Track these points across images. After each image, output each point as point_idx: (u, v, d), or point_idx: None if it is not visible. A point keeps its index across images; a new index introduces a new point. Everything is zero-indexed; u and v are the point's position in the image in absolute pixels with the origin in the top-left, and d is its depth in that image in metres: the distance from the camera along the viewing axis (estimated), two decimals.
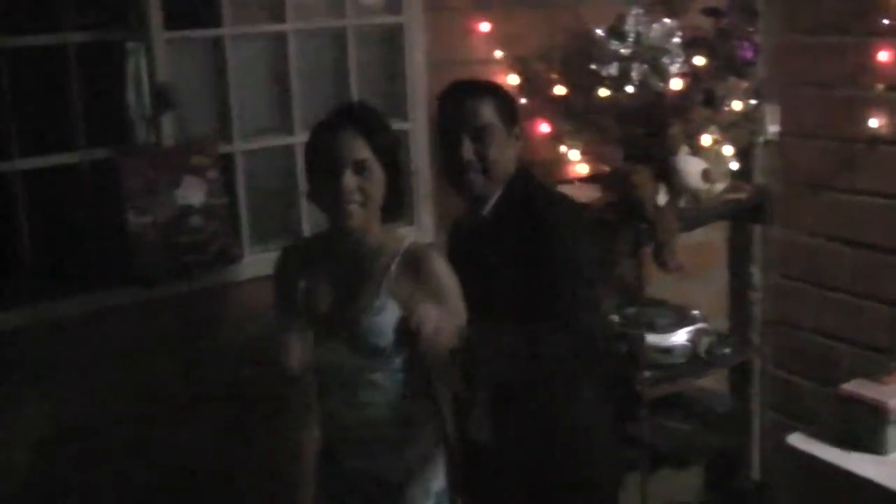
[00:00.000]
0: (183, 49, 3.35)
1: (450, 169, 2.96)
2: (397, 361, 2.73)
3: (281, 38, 3.51)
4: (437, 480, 2.84)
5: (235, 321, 3.42)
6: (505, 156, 2.91)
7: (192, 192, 3.28)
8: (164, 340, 3.35)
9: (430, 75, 3.72)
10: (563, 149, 3.89)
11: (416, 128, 3.73)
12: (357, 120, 2.71)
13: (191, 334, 3.39)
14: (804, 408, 4.51)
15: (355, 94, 3.64)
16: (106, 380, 3.27)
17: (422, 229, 3.73)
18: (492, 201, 2.94)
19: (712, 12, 3.93)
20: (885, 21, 3.92)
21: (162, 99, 3.26)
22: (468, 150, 2.87)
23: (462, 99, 2.93)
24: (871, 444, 3.19)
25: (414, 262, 2.73)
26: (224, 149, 3.42)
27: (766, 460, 4.46)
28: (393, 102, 3.73)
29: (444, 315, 2.59)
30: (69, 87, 3.22)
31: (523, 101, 3.78)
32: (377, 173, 2.68)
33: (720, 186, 3.85)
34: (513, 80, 3.82)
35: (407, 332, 2.58)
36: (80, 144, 3.23)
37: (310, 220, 3.57)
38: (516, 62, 3.83)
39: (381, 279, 2.72)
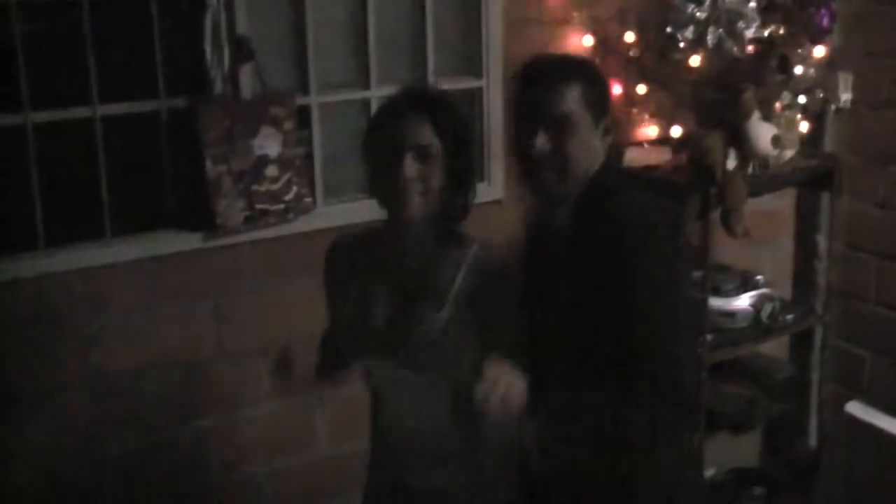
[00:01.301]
0: (262, 1, 3.39)
1: (522, 162, 2.48)
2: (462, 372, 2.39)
3: None
4: (500, 493, 2.56)
5: (307, 271, 3.46)
6: (588, 152, 2.42)
7: (269, 143, 3.34)
8: (236, 288, 3.43)
9: (506, 33, 3.74)
10: (635, 110, 3.89)
11: (492, 85, 3.75)
12: (422, 102, 2.41)
13: (263, 282, 3.47)
14: (863, 378, 4.51)
15: (431, 50, 3.67)
16: (176, 322, 3.37)
17: (492, 186, 3.76)
18: (567, 206, 2.46)
19: None
20: None
21: (241, 50, 3.30)
22: (543, 141, 2.38)
23: (542, 80, 2.44)
24: None
25: (483, 273, 2.41)
26: (301, 101, 3.46)
27: (823, 428, 4.46)
28: (469, 60, 3.76)
29: (515, 376, 2.22)
30: (150, 37, 3.25)
31: (598, 61, 3.79)
32: (440, 162, 2.36)
33: (790, 153, 3.84)
34: (588, 40, 3.82)
35: (470, 400, 2.18)
36: (160, 93, 3.28)
37: None
38: (592, 22, 3.83)
39: (448, 288, 2.41)
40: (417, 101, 2.41)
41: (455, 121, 2.43)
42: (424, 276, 2.43)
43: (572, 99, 2.39)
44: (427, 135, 2.34)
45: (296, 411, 3.59)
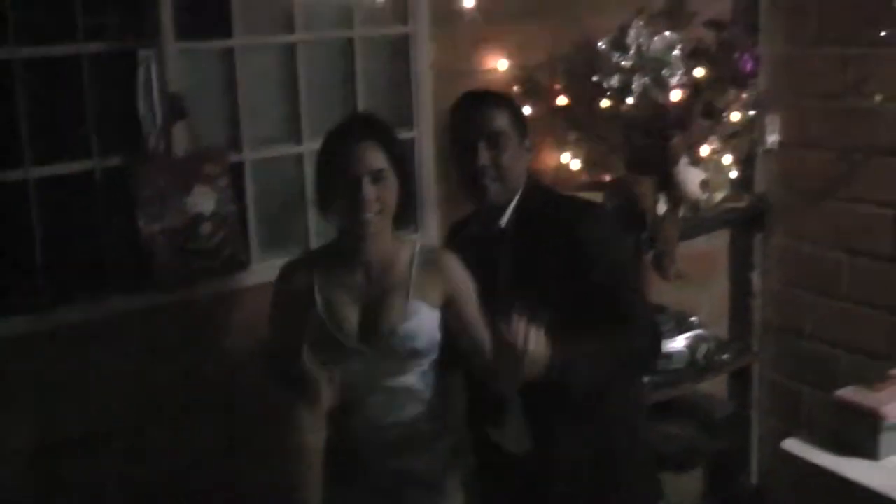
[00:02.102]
0: (194, 59, 3.39)
1: (464, 176, 2.96)
2: (426, 362, 2.80)
3: (290, 49, 3.56)
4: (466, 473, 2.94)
5: (243, 327, 3.48)
6: (518, 164, 2.94)
7: (203, 200, 3.34)
8: (173, 346, 3.40)
9: (436, 85, 3.78)
10: (564, 157, 3.94)
11: (423, 136, 3.79)
12: (372, 130, 2.74)
13: (199, 340, 3.44)
14: (802, 413, 4.57)
15: (362, 102, 3.69)
16: (115, 385, 3.31)
17: (427, 236, 3.78)
18: (509, 210, 2.95)
19: (714, 25, 3.99)
20: (884, 33, 3.97)
21: (173, 108, 3.31)
22: (484, 155, 2.88)
23: (477, 107, 2.95)
24: (864, 449, 3.22)
25: (430, 259, 2.81)
26: (234, 157, 3.47)
27: (764, 464, 4.51)
28: (399, 111, 3.78)
29: (540, 331, 2.56)
30: (83, 96, 3.25)
31: (527, 109, 3.84)
32: (392, 182, 2.71)
33: (720, 196, 3.91)
34: (517, 90, 3.87)
35: (503, 347, 2.54)
36: (93, 152, 3.26)
37: (316, 228, 3.62)
38: (520, 72, 3.88)
39: (408, 282, 2.76)
40: (367, 127, 2.76)
41: (399, 143, 2.82)
42: (384, 278, 2.78)
43: (503, 120, 2.92)
44: (380, 159, 2.68)
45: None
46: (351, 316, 2.76)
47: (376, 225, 2.70)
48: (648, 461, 3.26)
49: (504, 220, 2.95)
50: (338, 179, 2.69)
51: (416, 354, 2.76)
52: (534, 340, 2.50)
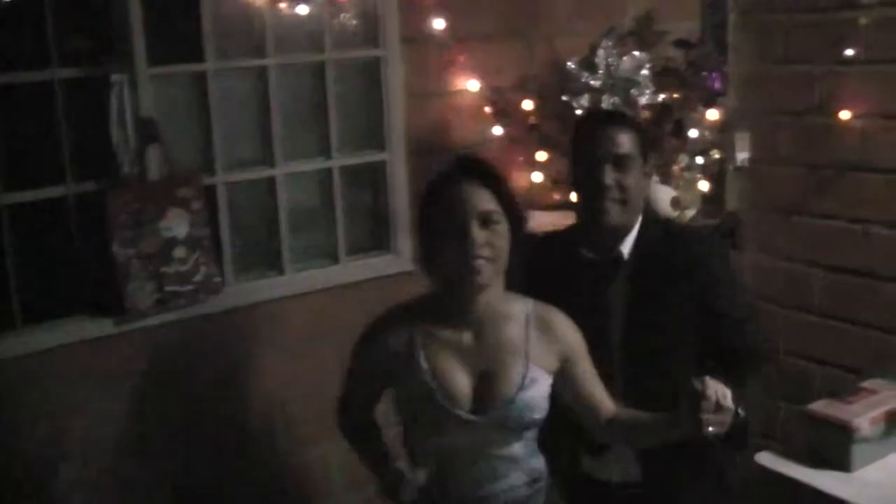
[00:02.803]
0: (167, 83, 3.42)
1: (586, 196, 2.86)
2: (535, 429, 2.54)
3: (262, 73, 3.59)
4: None
5: (219, 350, 3.49)
6: (640, 188, 2.86)
7: (177, 224, 3.36)
8: (146, 371, 3.42)
9: (408, 106, 3.82)
10: (536, 177, 3.97)
11: (394, 158, 3.81)
12: (478, 171, 2.47)
13: (174, 364, 3.46)
14: (777, 427, 4.60)
15: (335, 125, 3.72)
16: (90, 408, 3.33)
17: (399, 258, 3.82)
18: (631, 236, 2.85)
19: (683, 44, 4.03)
20: (850, 52, 4.03)
21: (146, 132, 3.33)
22: (610, 177, 2.77)
23: (605, 126, 2.86)
24: (837, 461, 3.24)
25: (545, 322, 2.54)
26: (207, 181, 3.49)
27: (739, 477, 4.52)
28: (372, 134, 3.82)
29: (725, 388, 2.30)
30: (56, 122, 3.27)
31: (498, 129, 3.88)
32: (504, 228, 2.42)
33: (691, 213, 3.93)
34: (488, 110, 3.91)
35: (696, 406, 2.27)
36: (67, 178, 3.28)
37: (290, 252, 3.65)
38: (492, 92, 3.91)
39: (525, 346, 2.49)
40: (472, 169, 2.47)
41: (507, 186, 2.49)
42: (498, 337, 2.49)
43: (630, 142, 2.82)
44: (490, 202, 2.40)
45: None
46: (462, 383, 2.46)
47: (486, 274, 2.40)
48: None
49: (625, 248, 2.85)
50: (443, 225, 2.41)
51: (531, 424, 2.48)
52: (728, 399, 2.29)
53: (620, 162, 2.79)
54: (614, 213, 2.79)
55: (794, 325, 4.52)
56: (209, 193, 3.49)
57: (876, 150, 4.11)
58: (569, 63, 3.79)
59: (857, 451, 3.21)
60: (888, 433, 3.24)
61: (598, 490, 2.94)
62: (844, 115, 4.12)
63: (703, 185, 4.00)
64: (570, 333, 2.55)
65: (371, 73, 3.81)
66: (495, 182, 2.44)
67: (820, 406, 3.33)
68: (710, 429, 2.27)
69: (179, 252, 3.35)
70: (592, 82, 3.72)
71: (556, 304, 2.60)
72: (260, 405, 3.52)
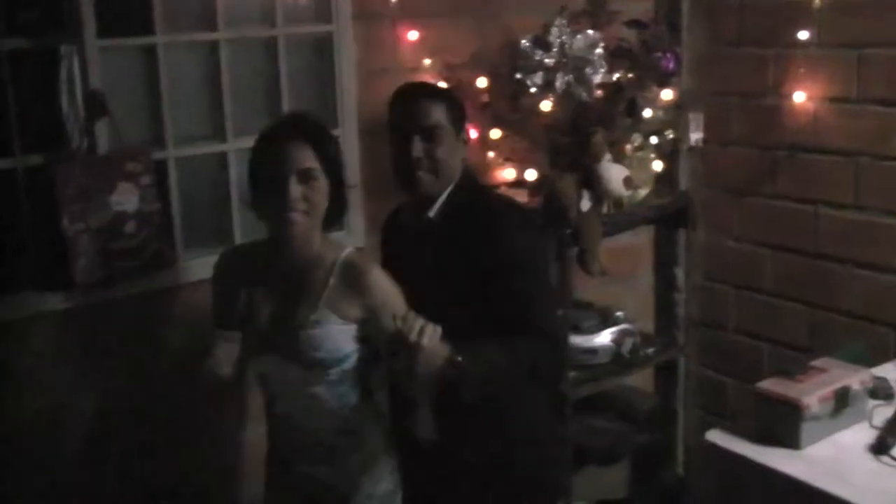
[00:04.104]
0: (116, 56, 3.38)
1: (399, 167, 2.97)
2: (334, 373, 2.74)
3: (213, 47, 3.56)
4: (382, 483, 2.88)
5: (170, 324, 3.47)
6: (453, 157, 2.95)
7: (126, 199, 3.32)
8: (96, 346, 3.39)
9: (360, 83, 3.80)
10: (489, 154, 3.97)
11: (347, 134, 3.79)
12: (304, 129, 2.72)
13: (125, 339, 3.42)
14: (727, 405, 4.65)
15: (286, 101, 3.69)
16: (38, 385, 3.30)
17: (352, 234, 3.79)
18: (439, 202, 2.96)
19: (636, 24, 4.03)
20: (803, 34, 4.06)
21: (95, 105, 3.29)
22: (418, 148, 2.89)
23: (413, 99, 2.97)
24: (786, 439, 3.26)
25: (352, 274, 2.74)
26: (157, 155, 3.45)
27: (689, 456, 4.57)
28: (324, 110, 3.78)
29: (433, 324, 2.52)
30: (3, 94, 3.22)
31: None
32: (322, 183, 2.69)
33: (643, 192, 3.96)
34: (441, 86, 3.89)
35: (397, 343, 2.51)
36: (14, 150, 3.24)
37: (241, 226, 3.62)
38: (445, 70, 3.89)
39: (321, 291, 2.73)
40: (299, 127, 2.74)
41: (332, 144, 2.80)
42: (303, 278, 2.75)
43: (439, 113, 2.93)
44: (309, 159, 2.67)
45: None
46: (263, 313, 2.77)
47: (302, 225, 2.68)
48: (552, 461, 3.30)
49: (432, 212, 2.97)
50: (266, 178, 2.68)
51: (317, 363, 2.72)
52: (428, 336, 2.49)
53: (429, 133, 2.91)
54: (426, 182, 2.93)
55: (745, 305, 4.58)
56: (160, 168, 3.45)
57: (827, 132, 4.15)
58: (522, 41, 3.79)
59: (807, 428, 3.24)
60: (837, 411, 3.28)
61: (415, 448, 3.03)
62: (797, 97, 4.14)
63: (656, 165, 4.02)
64: (380, 288, 2.74)
65: (323, 49, 3.78)
66: (318, 140, 2.71)
67: (770, 384, 3.36)
68: (409, 368, 2.49)
69: (129, 227, 3.32)
70: (546, 60, 3.72)
71: (393, 266, 2.89)
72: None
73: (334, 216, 2.81)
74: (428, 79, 3.82)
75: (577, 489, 3.97)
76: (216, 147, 3.59)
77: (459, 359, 2.59)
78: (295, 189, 2.64)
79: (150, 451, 3.46)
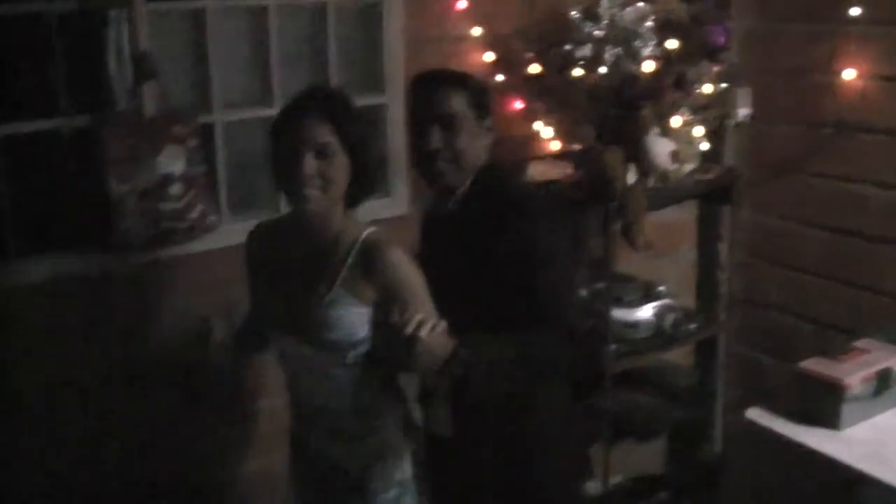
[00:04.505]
0: (165, 19, 3.39)
1: (418, 157, 2.90)
2: (350, 356, 2.68)
3: (262, 12, 3.56)
4: (400, 470, 2.82)
5: (213, 288, 3.48)
6: (475, 146, 2.85)
7: (172, 161, 3.33)
8: (141, 307, 3.43)
9: (408, 50, 3.79)
10: (536, 126, 3.95)
11: (393, 102, 3.79)
12: (322, 103, 2.65)
13: (167, 301, 3.46)
14: (766, 383, 4.62)
15: (334, 67, 3.70)
16: (79, 342, 3.34)
17: (396, 202, 3.80)
18: (459, 193, 2.88)
19: None
20: (854, 11, 4.00)
21: (143, 68, 3.29)
22: (436, 138, 2.80)
23: (432, 87, 2.86)
24: (825, 419, 3.26)
25: (372, 254, 2.65)
26: (204, 119, 3.47)
27: (727, 434, 4.56)
28: (370, 77, 3.80)
29: (437, 318, 2.49)
30: (52, 55, 3.24)
31: (499, 77, 3.85)
32: (340, 159, 2.62)
33: (689, 167, 3.93)
34: (488, 57, 3.88)
35: (392, 334, 2.45)
36: (62, 112, 3.27)
37: None
38: (493, 40, 3.88)
39: (338, 271, 2.65)
40: (318, 100, 2.67)
41: (353, 118, 2.69)
42: (321, 257, 2.68)
43: (459, 101, 2.83)
44: (326, 134, 2.60)
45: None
46: (281, 289, 2.75)
47: (318, 202, 2.61)
48: (573, 456, 3.25)
49: (453, 203, 2.90)
50: (284, 153, 2.63)
51: (331, 345, 2.66)
52: (426, 330, 2.41)
53: (448, 122, 2.81)
54: (445, 173, 2.84)
55: (787, 284, 4.54)
56: (206, 132, 3.47)
57: (875, 110, 4.10)
58: (572, 13, 3.77)
59: (847, 409, 3.24)
60: (878, 393, 3.27)
61: (436, 444, 2.98)
62: (847, 74, 4.10)
63: (703, 140, 3.99)
64: (399, 270, 2.65)
65: (371, 17, 3.77)
66: (338, 114, 2.63)
67: (811, 364, 3.36)
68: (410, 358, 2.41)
69: (175, 189, 3.33)
70: (595, 33, 3.70)
71: (421, 255, 2.87)
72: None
73: (358, 194, 2.72)
74: (475, 49, 3.81)
75: (614, 464, 3.97)
76: (263, 112, 3.58)
77: (462, 354, 2.51)
78: (310, 165, 2.57)
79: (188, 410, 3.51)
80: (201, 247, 3.44)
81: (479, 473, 2.98)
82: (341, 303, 2.64)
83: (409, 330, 2.40)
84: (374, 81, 3.79)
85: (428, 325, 2.42)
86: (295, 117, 2.63)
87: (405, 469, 2.83)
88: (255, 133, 3.59)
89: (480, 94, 2.90)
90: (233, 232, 3.43)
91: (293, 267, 2.73)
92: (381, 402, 2.80)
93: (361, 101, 3.70)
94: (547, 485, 3.02)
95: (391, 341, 2.46)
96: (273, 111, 3.51)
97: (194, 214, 3.38)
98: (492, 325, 2.64)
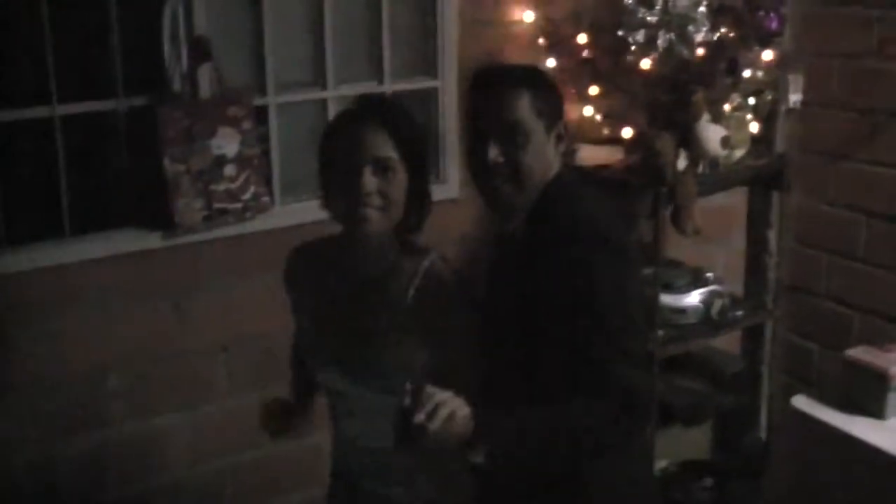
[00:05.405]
0: (221, 1, 3.42)
1: (474, 171, 2.43)
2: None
3: None
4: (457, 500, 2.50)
5: (265, 268, 3.51)
6: (541, 160, 2.37)
7: (227, 142, 3.38)
8: (194, 285, 3.48)
9: (462, 34, 3.80)
10: (588, 111, 3.95)
11: (446, 86, 3.81)
12: (381, 113, 2.33)
13: (220, 280, 3.51)
14: (813, 371, 4.62)
15: (388, 50, 3.72)
16: (134, 319, 3.40)
17: (448, 185, 3.82)
18: (521, 215, 2.43)
19: None
20: None
21: (200, 50, 3.34)
22: (495, 151, 2.33)
23: (494, 88, 2.40)
24: (871, 408, 3.26)
25: (435, 290, 2.34)
26: (259, 101, 3.50)
27: (773, 421, 4.55)
28: (424, 60, 3.82)
29: (457, 401, 2.08)
30: (109, 36, 3.28)
31: (551, 62, 3.85)
32: (401, 176, 2.29)
33: (740, 153, 3.92)
34: (542, 42, 3.88)
35: (407, 425, 2.05)
36: (118, 92, 3.30)
37: None
38: (546, 24, 3.88)
39: (399, 306, 2.34)
40: (374, 111, 2.35)
41: (413, 132, 2.35)
42: (378, 289, 2.37)
43: (523, 106, 2.35)
44: (386, 147, 2.27)
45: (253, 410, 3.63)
46: (330, 324, 2.43)
47: (376, 223, 2.28)
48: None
49: (513, 226, 2.46)
50: (336, 168, 2.30)
51: (389, 389, 2.25)
52: (439, 421, 2.03)
53: (510, 132, 2.34)
54: (504, 192, 2.38)
55: (837, 271, 4.52)
56: (261, 114, 3.50)
57: None
58: None
59: (893, 399, 3.23)
60: None
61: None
62: None
63: (754, 126, 3.98)
64: (454, 314, 2.35)
65: (426, 0, 3.78)
66: (398, 127, 2.30)
67: (858, 353, 3.35)
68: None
69: (229, 170, 3.37)
70: (649, 18, 3.69)
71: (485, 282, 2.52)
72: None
73: (414, 219, 2.37)
74: (529, 33, 3.81)
75: (661, 448, 3.98)
76: (317, 94, 3.62)
77: (485, 441, 2.12)
78: (369, 181, 2.24)
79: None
80: (255, 227, 3.47)
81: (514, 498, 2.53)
82: (405, 345, 2.34)
83: (419, 419, 2.04)
84: (428, 65, 3.80)
85: (443, 414, 2.05)
86: (351, 127, 2.32)
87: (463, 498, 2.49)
88: (310, 115, 3.63)
89: (551, 97, 2.44)
90: (286, 213, 3.48)
91: (345, 299, 2.41)
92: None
93: (415, 84, 3.76)
94: None
95: (396, 424, 2.08)
96: (327, 93, 3.57)
97: (248, 195, 3.42)
98: (537, 382, 2.35)
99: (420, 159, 2.36)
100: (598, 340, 2.24)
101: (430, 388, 2.06)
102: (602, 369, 2.23)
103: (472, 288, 2.45)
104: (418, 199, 2.35)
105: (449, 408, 2.05)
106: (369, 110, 2.35)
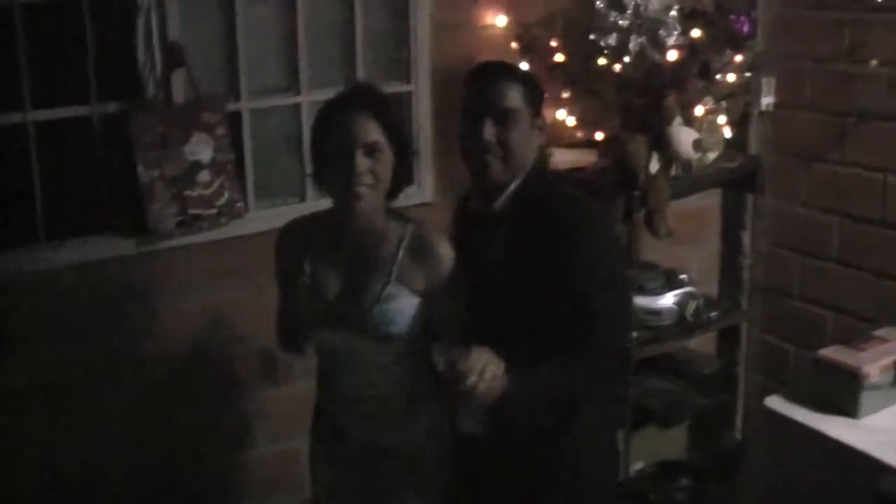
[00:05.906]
0: (194, 7, 3.42)
1: (467, 150, 2.78)
2: (405, 345, 2.73)
3: (290, 0, 3.58)
4: (446, 444, 2.86)
5: (239, 274, 3.53)
6: (526, 144, 2.76)
7: (201, 148, 3.38)
8: (167, 291, 3.47)
9: (434, 38, 3.81)
10: (561, 114, 3.97)
11: (419, 90, 3.82)
12: (369, 101, 2.67)
13: (194, 286, 3.51)
14: (788, 372, 4.64)
15: (361, 55, 3.72)
16: (108, 325, 3.40)
17: (422, 189, 3.83)
18: (506, 193, 2.77)
19: None
20: None
21: (173, 56, 3.34)
22: (490, 131, 2.69)
23: (492, 79, 2.77)
24: (845, 407, 3.27)
25: (421, 246, 2.71)
26: (232, 106, 3.51)
27: (748, 421, 4.57)
28: (397, 65, 3.82)
29: (495, 362, 2.45)
30: (82, 42, 3.27)
31: (524, 66, 3.86)
32: (387, 156, 2.64)
33: (712, 155, 3.94)
34: (514, 45, 3.89)
35: (449, 385, 2.41)
36: (92, 98, 3.30)
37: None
38: (518, 28, 3.89)
39: (391, 264, 2.70)
40: (364, 99, 2.69)
41: (396, 117, 2.79)
42: (371, 252, 2.71)
43: (516, 96, 2.73)
44: (375, 132, 2.62)
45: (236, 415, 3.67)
46: (331, 288, 2.74)
47: (368, 199, 2.63)
48: (606, 451, 3.08)
49: (498, 203, 2.77)
50: (331, 151, 2.64)
51: (388, 337, 2.70)
52: (488, 380, 2.39)
53: (503, 116, 2.71)
54: (494, 169, 2.73)
55: (810, 272, 4.54)
56: (234, 119, 3.51)
57: None
58: (597, 2, 3.76)
59: (866, 397, 3.25)
60: None
61: (465, 440, 2.87)
62: (872, 62, 4.09)
63: (727, 129, 4.00)
64: (442, 263, 2.72)
65: (398, 4, 3.79)
66: (383, 112, 2.67)
67: (831, 352, 3.37)
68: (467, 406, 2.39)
69: (203, 176, 3.38)
70: (620, 22, 3.70)
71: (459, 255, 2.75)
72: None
73: (397, 188, 2.74)
74: (502, 37, 3.83)
75: (637, 449, 3.99)
76: (291, 99, 3.63)
77: (512, 397, 2.46)
78: (362, 162, 2.59)
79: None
80: (229, 233, 3.49)
81: (512, 472, 2.87)
82: (399, 295, 2.69)
83: (472, 381, 2.37)
84: (401, 70, 3.81)
85: (487, 377, 2.39)
86: (344, 115, 2.64)
87: (434, 456, 2.87)
88: (284, 120, 3.65)
89: (536, 93, 2.82)
90: (260, 219, 3.48)
91: (342, 263, 2.74)
92: (429, 387, 2.77)
93: (388, 89, 3.73)
94: (580, 479, 2.89)
95: (448, 385, 2.41)
96: (301, 98, 3.58)
97: (222, 201, 3.44)
98: (531, 337, 2.62)
99: (403, 139, 2.73)
100: (601, 306, 2.61)
101: (476, 351, 2.40)
102: (603, 332, 2.62)
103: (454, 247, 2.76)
104: (402, 174, 2.73)
105: (493, 367, 2.41)
106: (360, 97, 2.70)
